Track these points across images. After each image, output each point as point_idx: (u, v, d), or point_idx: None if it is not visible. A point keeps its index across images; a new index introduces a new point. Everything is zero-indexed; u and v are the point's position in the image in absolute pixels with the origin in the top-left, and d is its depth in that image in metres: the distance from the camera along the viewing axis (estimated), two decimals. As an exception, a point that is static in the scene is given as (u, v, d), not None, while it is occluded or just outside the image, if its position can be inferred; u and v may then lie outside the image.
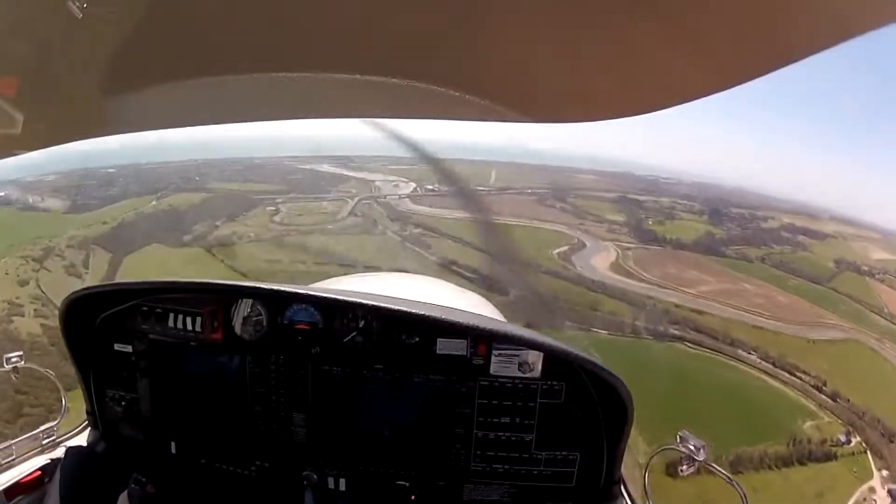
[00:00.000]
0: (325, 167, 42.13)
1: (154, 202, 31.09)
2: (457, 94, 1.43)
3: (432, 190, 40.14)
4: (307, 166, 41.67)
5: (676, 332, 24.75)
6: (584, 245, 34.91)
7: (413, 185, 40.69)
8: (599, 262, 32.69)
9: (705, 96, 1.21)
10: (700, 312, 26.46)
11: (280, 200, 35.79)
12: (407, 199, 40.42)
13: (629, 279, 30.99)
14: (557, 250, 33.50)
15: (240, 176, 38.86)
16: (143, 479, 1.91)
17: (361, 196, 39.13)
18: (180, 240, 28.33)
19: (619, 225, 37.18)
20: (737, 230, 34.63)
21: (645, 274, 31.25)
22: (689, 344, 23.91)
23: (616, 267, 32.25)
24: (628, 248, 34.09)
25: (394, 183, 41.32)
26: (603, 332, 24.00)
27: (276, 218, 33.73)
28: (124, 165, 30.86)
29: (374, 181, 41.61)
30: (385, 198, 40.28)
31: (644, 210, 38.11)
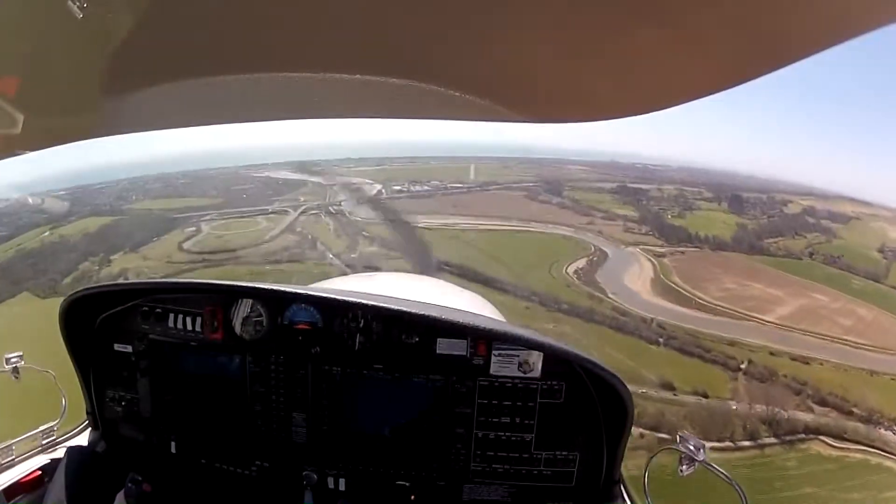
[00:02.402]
0: (284, 173, 37.46)
1: (47, 233, 23.23)
2: (457, 94, 1.43)
3: (400, 191, 34.99)
4: (263, 174, 37.30)
5: (806, 419, 16.87)
6: (605, 255, 27.60)
7: (378, 186, 35.57)
8: (635, 280, 25.22)
9: (705, 96, 1.21)
10: (806, 361, 19.44)
11: (208, 217, 30.17)
12: (365, 205, 34.49)
13: (686, 308, 22.79)
14: (573, 266, 26.22)
15: (181, 190, 33.11)
16: (139, 479, 1.91)
17: (308, 206, 33.22)
18: (57, 285, 20.68)
19: (634, 221, 31.03)
20: (763, 219, 30.49)
21: (702, 295, 23.88)
22: (825, 438, 16.58)
23: (660, 287, 24.87)
24: (661, 255, 27.29)
25: (355, 186, 36.31)
26: (707, 444, 12.67)
27: (188, 244, 27.67)
28: (81, 186, 26.57)
29: (332, 185, 36.24)
30: (339, 205, 33.96)
31: (652, 200, 32.95)
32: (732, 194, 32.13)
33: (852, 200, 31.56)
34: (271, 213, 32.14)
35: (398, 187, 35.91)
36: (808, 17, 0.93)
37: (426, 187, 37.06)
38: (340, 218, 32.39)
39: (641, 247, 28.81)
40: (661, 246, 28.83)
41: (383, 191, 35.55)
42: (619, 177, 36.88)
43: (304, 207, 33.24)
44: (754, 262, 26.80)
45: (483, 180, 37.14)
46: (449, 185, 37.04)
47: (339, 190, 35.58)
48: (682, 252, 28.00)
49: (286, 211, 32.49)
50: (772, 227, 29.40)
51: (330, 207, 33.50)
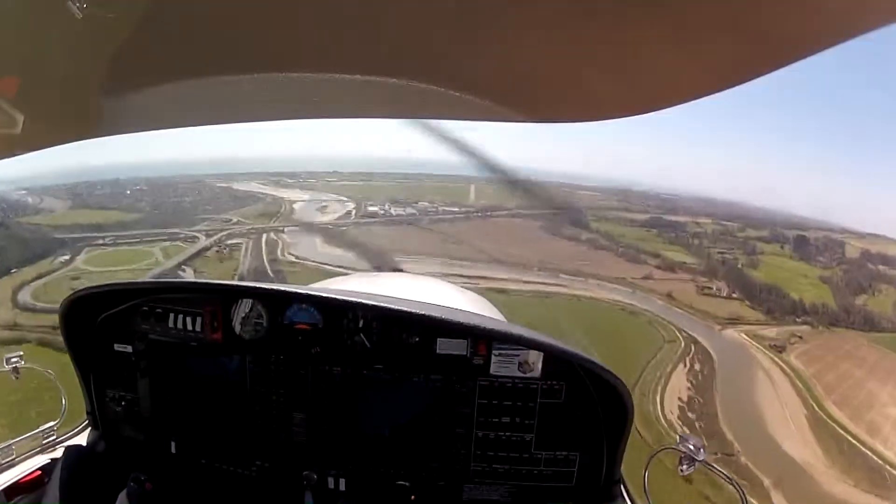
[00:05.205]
0: (253, 185, 31.18)
1: None
2: (457, 94, 1.43)
3: (374, 213, 27.03)
4: (225, 184, 30.88)
5: None
6: (705, 353, 17.24)
7: (351, 205, 28.18)
8: (785, 428, 14.64)
9: (705, 96, 1.22)
10: None
11: (100, 241, 23.07)
12: (317, 233, 26.22)
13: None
14: (670, 392, 15.45)
15: (113, 199, 26.49)
16: (142, 477, 1.91)
17: (236, 231, 24.93)
18: None
19: (702, 274, 21.98)
20: (835, 267, 23.27)
21: (888, 454, 13.73)
22: None
23: (831, 443, 14.29)
24: (779, 347, 17.90)
25: (322, 204, 28.85)
26: None
27: (25, 292, 18.80)
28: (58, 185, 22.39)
29: (294, 202, 29.21)
30: (282, 231, 25.85)
31: (704, 239, 25.36)
32: (796, 235, 25.12)
33: (886, 239, 25.00)
34: (182, 238, 24.14)
35: (374, 208, 27.99)
36: (808, 17, 0.93)
37: (410, 210, 28.43)
38: (266, 253, 23.98)
39: (742, 327, 18.78)
40: (765, 323, 19.47)
41: (352, 212, 27.84)
42: (641, 206, 29.45)
43: (226, 232, 24.49)
44: (877, 346, 18.40)
45: (485, 203, 28.85)
46: (441, 209, 28.68)
47: (298, 209, 28.47)
48: (800, 336, 18.76)
49: (195, 237, 23.99)
50: (852, 281, 22.20)
51: (266, 235, 25.12)
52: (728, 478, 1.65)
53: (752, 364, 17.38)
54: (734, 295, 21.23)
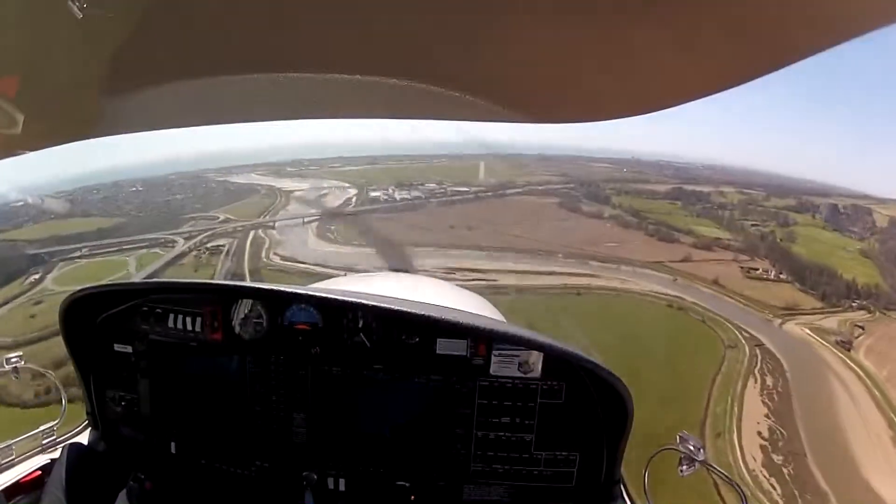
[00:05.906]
0: (253, 177, 30.05)
1: None
2: (457, 94, 1.44)
3: (376, 199, 25.56)
4: (221, 178, 29.87)
5: None
6: (772, 358, 14.62)
7: (352, 192, 26.69)
8: (869, 453, 12.57)
9: (705, 96, 1.22)
10: None
11: (77, 254, 21.17)
12: (311, 228, 23.93)
13: None
14: (752, 428, 12.50)
15: (105, 204, 24.52)
16: (142, 477, 1.91)
17: (218, 232, 22.65)
18: None
19: (741, 251, 19.74)
20: (869, 237, 21.49)
21: None
22: None
23: None
24: (844, 342, 16.14)
25: (318, 195, 27.04)
26: None
27: None
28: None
29: (291, 192, 27.51)
30: (272, 226, 24.00)
31: (727, 209, 23.51)
32: (825, 204, 23.50)
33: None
34: (162, 243, 22.33)
35: (377, 193, 26.77)
36: (808, 17, 0.93)
37: (417, 193, 27.04)
38: (249, 256, 21.78)
39: (802, 320, 16.78)
40: (822, 311, 17.53)
41: (353, 199, 26.77)
42: (658, 176, 27.27)
43: (206, 235, 22.62)
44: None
45: (496, 181, 27.30)
46: (450, 190, 27.12)
47: (294, 201, 27.17)
48: (861, 327, 16.94)
49: (174, 242, 22.17)
50: (889, 253, 20.62)
51: (253, 232, 23.47)
52: (728, 478, 1.64)
53: (824, 372, 14.94)
54: (782, 276, 19.42)
